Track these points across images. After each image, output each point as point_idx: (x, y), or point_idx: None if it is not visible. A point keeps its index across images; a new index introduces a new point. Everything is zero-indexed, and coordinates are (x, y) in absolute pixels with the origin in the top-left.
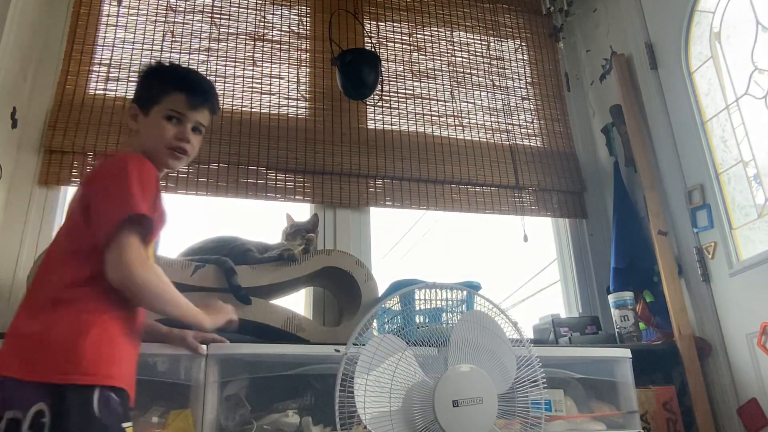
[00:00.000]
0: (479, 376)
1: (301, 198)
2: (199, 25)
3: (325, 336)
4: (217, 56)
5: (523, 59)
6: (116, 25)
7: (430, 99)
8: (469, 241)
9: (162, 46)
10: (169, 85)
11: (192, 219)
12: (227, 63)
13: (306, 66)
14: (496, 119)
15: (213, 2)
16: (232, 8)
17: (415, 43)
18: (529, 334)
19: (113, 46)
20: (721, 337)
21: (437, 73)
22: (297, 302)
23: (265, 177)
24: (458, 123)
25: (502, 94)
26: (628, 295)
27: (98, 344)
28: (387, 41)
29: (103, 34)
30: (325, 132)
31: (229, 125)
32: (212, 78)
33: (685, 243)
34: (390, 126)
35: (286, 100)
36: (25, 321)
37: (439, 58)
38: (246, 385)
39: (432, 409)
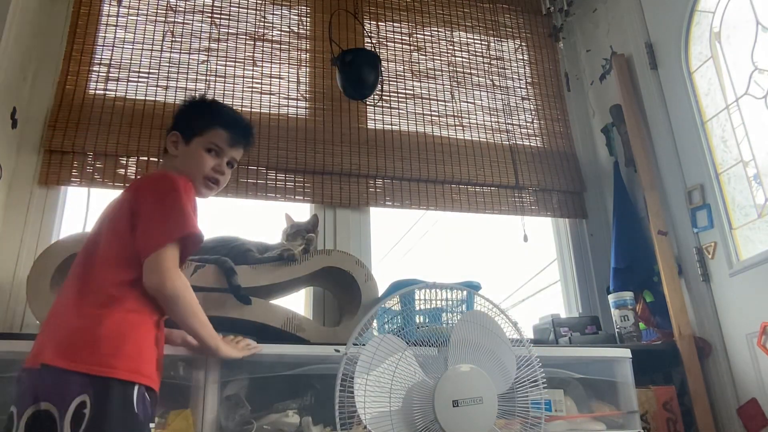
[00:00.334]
0: (479, 376)
1: (301, 198)
2: (199, 25)
3: (325, 336)
4: (217, 56)
5: (523, 59)
6: (116, 25)
7: (430, 99)
8: (469, 241)
9: (162, 46)
10: (214, 122)
11: None
12: (227, 63)
13: (306, 66)
14: (496, 119)
15: (213, 2)
16: (232, 8)
17: (415, 43)
18: (529, 334)
19: (113, 46)
20: (721, 337)
21: (437, 73)
22: (297, 302)
23: (265, 177)
24: (458, 123)
25: (502, 94)
26: (628, 295)
27: (141, 343)
28: (387, 41)
29: (103, 34)
30: (325, 132)
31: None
32: (212, 78)
33: (685, 243)
34: (390, 126)
35: (286, 100)
36: (70, 314)
37: (439, 58)
38: (246, 385)
39: (432, 409)
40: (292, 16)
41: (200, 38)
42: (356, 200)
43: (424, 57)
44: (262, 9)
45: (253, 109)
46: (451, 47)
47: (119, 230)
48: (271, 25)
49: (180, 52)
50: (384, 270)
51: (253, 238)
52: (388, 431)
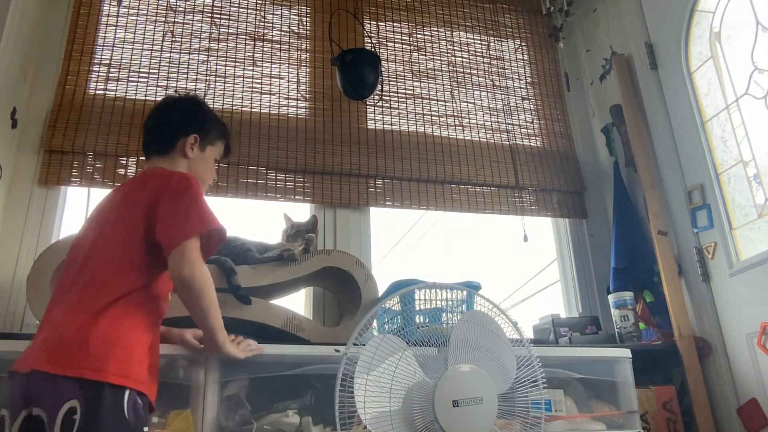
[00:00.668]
0: (479, 376)
1: (301, 198)
2: (199, 25)
3: (325, 336)
4: (217, 56)
5: (523, 59)
6: (116, 25)
7: (430, 99)
8: (469, 241)
9: (162, 46)
10: (223, 134)
11: None
12: (227, 63)
13: (306, 66)
14: (496, 119)
15: (213, 2)
16: (232, 8)
17: (415, 43)
18: (529, 334)
19: (113, 46)
20: (721, 337)
21: (437, 73)
22: (297, 302)
23: (265, 177)
24: (458, 123)
25: (502, 94)
26: (628, 295)
27: (133, 347)
28: (387, 41)
29: (103, 34)
30: (325, 132)
31: (229, 125)
32: (212, 78)
33: (685, 243)
34: (390, 126)
35: (286, 100)
36: (63, 319)
37: (439, 58)
38: (246, 385)
39: (432, 409)
40: (292, 16)
41: (200, 38)
42: (356, 200)
43: (424, 57)
44: (262, 9)
45: (253, 109)
46: (451, 47)
47: (129, 233)
48: (271, 25)
49: (180, 52)
50: (384, 270)
51: (253, 238)
52: (388, 431)
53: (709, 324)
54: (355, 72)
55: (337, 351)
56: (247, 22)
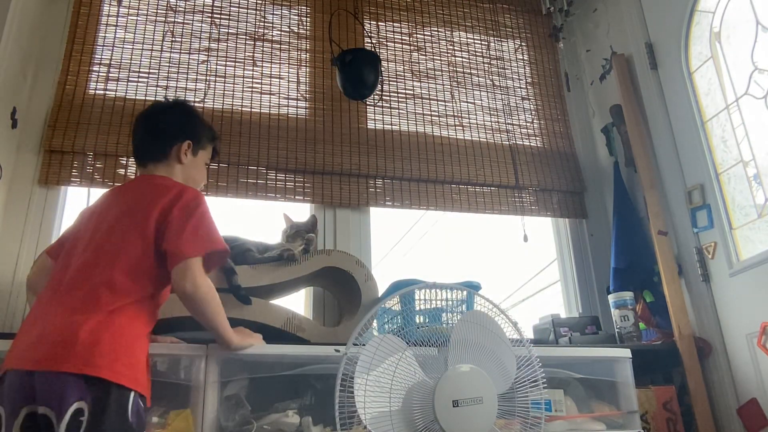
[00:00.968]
0: (479, 376)
1: (301, 198)
2: (199, 25)
3: (325, 336)
4: (217, 56)
5: (523, 59)
6: (116, 25)
7: (430, 99)
8: (469, 241)
9: (162, 46)
10: (213, 138)
11: None
12: (227, 63)
13: (306, 66)
14: (496, 119)
15: (213, 2)
16: (232, 8)
17: (415, 43)
18: (529, 334)
19: (113, 46)
20: (721, 337)
21: (437, 73)
22: (297, 302)
23: (265, 177)
24: (458, 123)
25: (502, 94)
26: (628, 295)
27: (138, 352)
28: (387, 41)
29: (103, 34)
30: (325, 132)
31: (229, 125)
32: (212, 78)
33: (685, 243)
34: (390, 126)
35: (286, 100)
36: (72, 318)
37: (439, 58)
38: (246, 385)
39: (432, 409)
40: (292, 16)
41: (200, 38)
42: (356, 200)
43: (424, 57)
44: (262, 9)
45: (253, 109)
46: (451, 47)
47: (143, 242)
48: (271, 25)
49: (180, 52)
50: (384, 270)
51: (253, 238)
52: (388, 431)
53: (709, 324)
54: (355, 72)
55: (337, 351)
56: (247, 22)
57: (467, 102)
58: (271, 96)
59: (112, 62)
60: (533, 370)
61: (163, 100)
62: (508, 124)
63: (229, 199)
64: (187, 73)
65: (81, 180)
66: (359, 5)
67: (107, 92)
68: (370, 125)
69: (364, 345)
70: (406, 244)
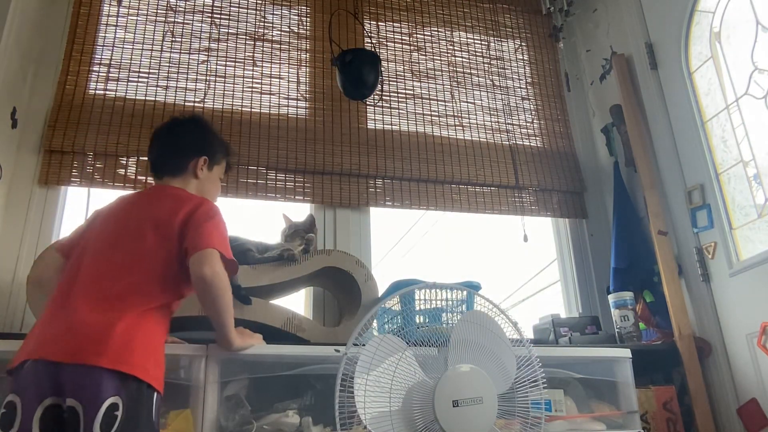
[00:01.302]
0: (479, 376)
1: (301, 198)
2: (199, 25)
3: (325, 336)
4: (217, 56)
5: (523, 59)
6: (116, 25)
7: (430, 99)
8: (469, 241)
9: (162, 46)
10: (227, 153)
11: None
12: (227, 63)
13: (306, 66)
14: (496, 119)
15: (213, 2)
16: (232, 8)
17: (415, 43)
18: (529, 334)
19: (113, 46)
20: (721, 337)
21: (437, 73)
22: (297, 302)
23: (265, 177)
24: (458, 123)
25: (502, 94)
26: (628, 295)
27: (161, 355)
28: (387, 41)
29: (103, 34)
30: (325, 132)
31: (229, 125)
32: (212, 78)
33: (685, 243)
34: (390, 126)
35: (286, 100)
36: (103, 315)
37: (439, 58)
38: (246, 385)
39: (432, 409)
40: (292, 16)
41: (200, 38)
42: (356, 200)
43: (424, 57)
44: (262, 9)
45: (253, 109)
46: (451, 47)
47: (169, 251)
48: (271, 25)
49: (180, 52)
50: (384, 270)
51: (253, 238)
52: (388, 431)
53: (709, 324)
54: (355, 72)
55: (337, 351)
56: (247, 22)
57: (467, 102)
58: (271, 96)
59: (112, 62)
60: (533, 370)
61: (180, 115)
62: (508, 124)
63: (229, 199)
64: (187, 73)
65: (81, 180)
66: (359, 5)
67: (107, 92)
68: (370, 125)
69: (364, 345)
70: (406, 244)
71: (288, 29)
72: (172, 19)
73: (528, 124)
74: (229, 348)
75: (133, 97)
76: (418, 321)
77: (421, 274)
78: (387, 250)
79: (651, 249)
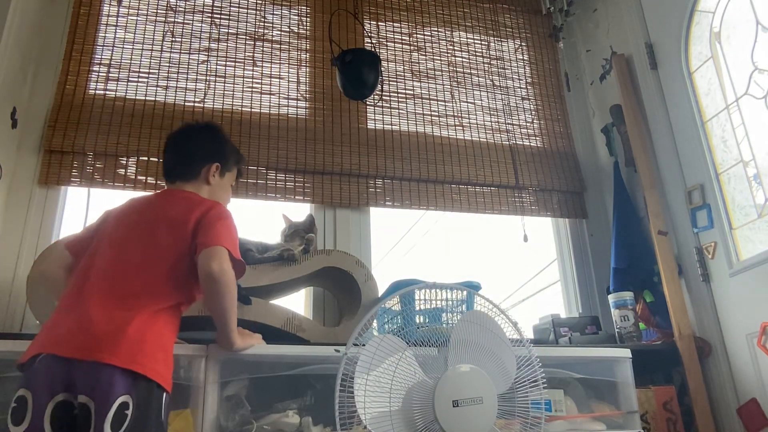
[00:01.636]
0: (479, 376)
1: (301, 198)
2: (199, 25)
3: (325, 336)
4: (217, 56)
5: (523, 59)
6: (116, 25)
7: (430, 99)
8: (469, 241)
9: (162, 46)
10: (239, 160)
11: None
12: (227, 63)
13: (306, 66)
14: (496, 119)
15: (213, 2)
16: (232, 8)
17: (415, 43)
18: (529, 334)
19: (113, 46)
20: (721, 337)
21: (437, 73)
22: (297, 302)
23: (264, 177)
24: (458, 123)
25: (502, 94)
26: (628, 295)
27: (171, 356)
28: (387, 41)
29: (103, 34)
30: (325, 132)
31: (229, 125)
32: (212, 78)
33: (685, 243)
34: (390, 126)
35: (286, 100)
36: (115, 313)
37: (439, 58)
38: (246, 385)
39: (432, 409)
40: (292, 16)
41: (200, 38)
42: (356, 200)
43: (424, 57)
44: (262, 9)
45: (253, 109)
46: (451, 47)
47: (181, 253)
48: (271, 25)
49: (180, 52)
50: (384, 270)
51: (253, 238)
52: (388, 431)
53: (709, 324)
54: (355, 72)
55: (337, 351)
56: (247, 22)
57: (467, 102)
58: (271, 96)
59: (112, 62)
60: (533, 370)
61: (193, 121)
62: (508, 124)
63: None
64: (187, 73)
65: (81, 180)
66: (359, 5)
67: (107, 92)
68: (370, 125)
69: (364, 345)
70: (406, 244)
71: (288, 29)
72: (172, 19)
73: (528, 124)
74: (230, 348)
75: (133, 97)
76: (418, 321)
77: (421, 274)
78: (387, 250)
79: (651, 249)
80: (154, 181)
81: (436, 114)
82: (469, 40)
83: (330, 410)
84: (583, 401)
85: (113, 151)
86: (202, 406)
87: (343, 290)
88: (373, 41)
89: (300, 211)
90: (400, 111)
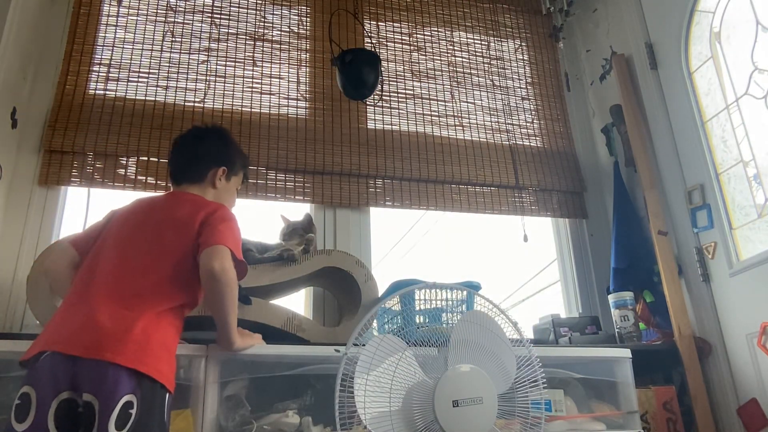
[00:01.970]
0: (479, 376)
1: (301, 198)
2: (199, 25)
3: (325, 336)
4: (217, 56)
5: (523, 59)
6: (116, 25)
7: (430, 99)
8: (469, 241)
9: (162, 46)
10: (245, 165)
11: None
12: (227, 63)
13: (306, 66)
14: (496, 119)
15: (213, 2)
16: (232, 8)
17: (415, 43)
18: (529, 334)
19: (113, 46)
20: (721, 337)
21: (437, 73)
22: (297, 302)
23: (264, 177)
24: (458, 123)
25: (502, 94)
26: (628, 295)
27: (174, 356)
28: (387, 41)
29: (103, 34)
30: (325, 132)
31: (229, 125)
32: (212, 78)
33: (685, 243)
34: (390, 126)
35: (286, 100)
36: (122, 313)
37: (439, 58)
38: (246, 385)
39: (432, 409)
40: (292, 16)
41: (200, 38)
42: (356, 200)
43: (424, 57)
44: (262, 9)
45: (253, 109)
46: (451, 47)
47: (186, 254)
48: (271, 25)
49: (180, 52)
50: (384, 270)
51: (252, 238)
52: (388, 431)
53: (709, 324)
54: (355, 72)
55: (337, 351)
56: (247, 22)
57: (467, 102)
58: (271, 96)
59: (112, 62)
60: (533, 370)
61: (201, 124)
62: (508, 124)
63: None
64: (187, 73)
65: (81, 180)
66: (359, 5)
67: (107, 92)
68: (370, 125)
69: (364, 345)
70: (406, 244)
71: (288, 29)
72: (172, 19)
73: (528, 124)
74: (230, 348)
75: (133, 97)
76: (418, 321)
77: (421, 274)
78: (387, 250)
79: (651, 249)
80: (154, 181)
81: (436, 114)
82: (469, 40)
83: (330, 410)
84: (583, 401)
85: (113, 151)
86: (202, 406)
87: (343, 290)
88: (373, 41)
89: (300, 211)
90: (400, 111)
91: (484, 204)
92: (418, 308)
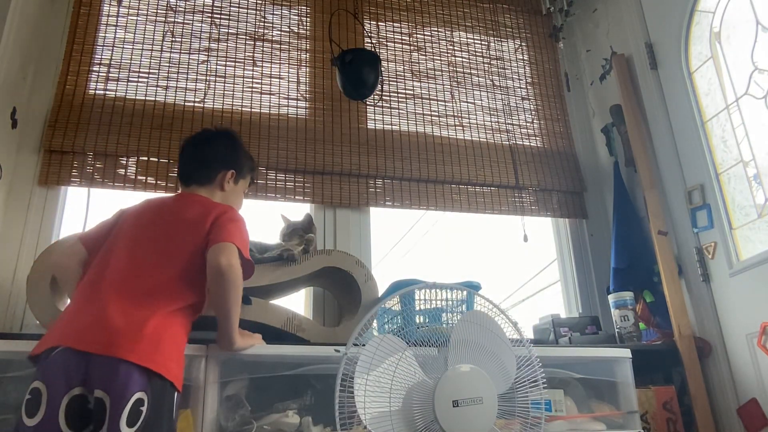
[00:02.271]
0: (479, 376)
1: (301, 198)
2: (199, 25)
3: (325, 336)
4: (217, 56)
5: (523, 59)
6: (116, 25)
7: (430, 99)
8: (469, 241)
9: (162, 46)
10: (252, 168)
11: None
12: (227, 63)
13: (306, 66)
14: (496, 119)
15: (213, 2)
16: (232, 8)
17: (415, 43)
18: (529, 334)
19: (113, 46)
20: (721, 337)
21: (437, 73)
22: (297, 302)
23: (264, 177)
24: (458, 123)
25: (502, 94)
26: (628, 295)
27: (183, 355)
28: (387, 41)
29: (103, 34)
30: (325, 132)
31: (229, 125)
32: (212, 78)
33: (685, 243)
34: (390, 126)
35: (286, 100)
36: (134, 311)
37: (439, 58)
38: (246, 385)
39: (432, 409)
40: (292, 16)
41: (200, 38)
42: (356, 200)
43: (424, 57)
44: (262, 9)
45: (253, 109)
46: (451, 47)
47: (194, 255)
48: (271, 25)
49: (180, 52)
50: (384, 270)
51: (252, 238)
52: (388, 431)
53: (709, 324)
54: (355, 72)
55: (337, 351)
56: (247, 22)
57: (467, 102)
58: (271, 96)
59: (112, 62)
60: (533, 370)
61: (211, 127)
62: (508, 124)
63: None
64: (187, 73)
65: (81, 180)
66: (359, 5)
67: (107, 92)
68: (370, 125)
69: (364, 345)
70: (406, 244)
71: (288, 29)
72: (172, 19)
73: (528, 124)
74: (230, 347)
75: (133, 97)
76: (418, 321)
77: (421, 274)
78: (387, 250)
79: (651, 249)
80: (154, 181)
81: (436, 114)
82: (469, 40)
83: (330, 410)
84: (583, 401)
85: (113, 151)
86: (202, 406)
87: (343, 290)
88: (373, 41)
89: (300, 211)
90: (400, 111)
91: (484, 204)
92: (418, 308)
